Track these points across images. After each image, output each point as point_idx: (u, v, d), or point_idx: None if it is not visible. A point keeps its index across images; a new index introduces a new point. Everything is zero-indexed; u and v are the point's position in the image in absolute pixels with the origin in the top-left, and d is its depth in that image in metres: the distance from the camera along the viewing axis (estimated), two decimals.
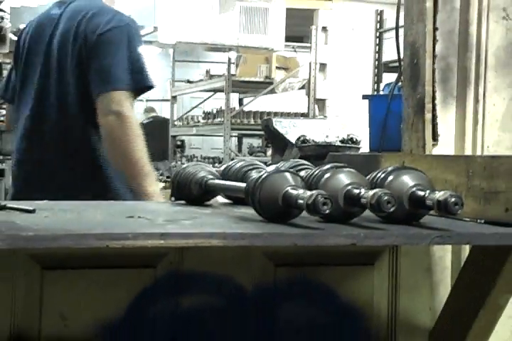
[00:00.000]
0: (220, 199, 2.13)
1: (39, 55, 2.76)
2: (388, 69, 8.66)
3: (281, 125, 2.78)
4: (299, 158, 2.38)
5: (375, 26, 8.87)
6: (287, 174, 1.64)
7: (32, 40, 2.85)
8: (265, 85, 9.78)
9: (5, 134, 7.64)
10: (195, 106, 11.76)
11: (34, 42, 2.83)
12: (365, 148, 2.68)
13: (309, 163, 2.02)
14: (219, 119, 9.89)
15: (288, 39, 9.71)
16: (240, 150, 12.20)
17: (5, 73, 9.08)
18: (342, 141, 2.56)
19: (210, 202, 2.07)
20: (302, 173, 1.78)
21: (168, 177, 8.08)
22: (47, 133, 2.69)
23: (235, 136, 12.05)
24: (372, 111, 2.81)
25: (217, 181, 2.00)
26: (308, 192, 1.54)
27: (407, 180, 1.69)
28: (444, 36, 2.19)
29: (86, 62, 2.60)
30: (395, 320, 2.05)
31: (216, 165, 9.21)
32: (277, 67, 9.90)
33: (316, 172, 1.71)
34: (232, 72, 9.63)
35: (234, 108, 10.32)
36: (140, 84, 2.62)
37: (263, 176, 1.63)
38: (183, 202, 2.09)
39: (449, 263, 2.15)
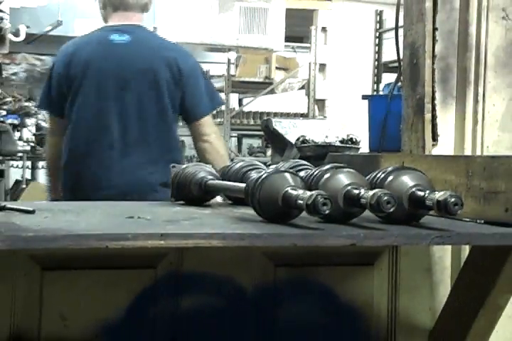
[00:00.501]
0: (220, 199, 2.13)
1: (113, 77, 3.17)
2: (388, 70, 8.65)
3: (280, 125, 2.78)
4: (299, 158, 2.38)
5: (374, 26, 8.86)
6: (287, 174, 1.65)
7: (96, 61, 3.20)
8: (265, 85, 9.76)
9: (5, 135, 7.62)
10: None
11: (100, 64, 3.19)
12: (364, 148, 2.68)
13: (309, 164, 2.02)
14: (219, 120, 9.88)
15: (288, 39, 9.69)
16: (239, 150, 12.19)
17: (4, 73, 9.08)
18: (342, 141, 2.56)
19: (210, 203, 2.07)
20: (302, 174, 1.78)
21: None
22: (144, 144, 3.18)
23: (234, 137, 12.04)
24: (372, 112, 2.80)
25: (216, 181, 2.00)
26: (308, 193, 1.54)
27: (407, 181, 1.69)
28: (444, 36, 2.19)
29: (180, 89, 3.19)
30: (394, 320, 2.05)
31: None
32: (277, 68, 9.88)
33: (316, 172, 1.71)
34: (232, 72, 9.61)
35: (234, 108, 10.31)
36: (218, 105, 3.56)
37: (263, 176, 1.63)
38: (182, 202, 2.09)
39: (449, 263, 2.15)
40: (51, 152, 3.39)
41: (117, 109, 3.16)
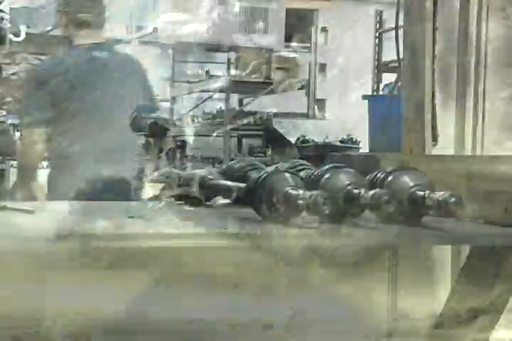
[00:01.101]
0: (220, 199, 2.13)
1: (105, 89, 3.48)
2: (388, 69, 8.65)
3: (280, 125, 2.78)
4: (299, 158, 2.38)
5: (374, 26, 8.86)
6: (287, 174, 1.64)
7: (87, 75, 3.49)
8: (265, 85, 9.77)
9: (5, 135, 7.61)
10: (195, 107, 11.75)
11: (92, 78, 3.49)
12: (365, 148, 2.68)
13: (309, 164, 2.02)
14: (218, 119, 9.89)
15: (288, 39, 9.70)
16: (239, 150, 12.19)
17: (4, 73, 9.08)
18: (342, 141, 2.56)
19: (210, 203, 2.07)
20: (302, 173, 1.78)
21: (167, 177, 8.06)
22: (124, 148, 3.46)
23: (234, 137, 12.05)
24: (372, 112, 2.81)
25: (216, 181, 2.00)
26: (308, 193, 1.54)
27: (407, 180, 1.69)
28: (444, 36, 2.19)
29: (141, 93, 3.59)
30: (394, 320, 2.05)
31: (216, 165, 9.20)
32: (277, 68, 9.89)
33: (316, 172, 1.71)
34: (232, 72, 9.62)
35: (234, 108, 10.30)
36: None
37: (263, 176, 1.63)
38: (182, 202, 2.09)
39: (449, 263, 2.15)
40: (39, 160, 3.62)
41: (113, 117, 3.46)
